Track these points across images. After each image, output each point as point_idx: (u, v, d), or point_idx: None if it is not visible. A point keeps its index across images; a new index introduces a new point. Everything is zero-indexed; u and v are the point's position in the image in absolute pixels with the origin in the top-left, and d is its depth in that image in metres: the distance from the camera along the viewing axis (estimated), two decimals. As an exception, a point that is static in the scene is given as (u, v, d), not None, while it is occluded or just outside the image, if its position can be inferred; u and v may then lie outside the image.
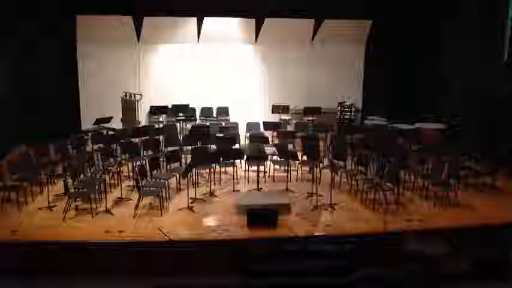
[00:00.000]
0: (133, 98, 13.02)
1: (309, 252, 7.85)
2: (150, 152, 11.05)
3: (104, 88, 13.50)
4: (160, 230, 7.98)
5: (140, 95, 13.17)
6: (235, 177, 10.14)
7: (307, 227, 8.32)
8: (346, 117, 14.15)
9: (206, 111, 14.00)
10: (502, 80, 11.95)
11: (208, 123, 12.97)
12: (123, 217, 8.57)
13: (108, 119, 12.33)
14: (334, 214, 8.89)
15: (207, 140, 11.36)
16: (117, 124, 12.77)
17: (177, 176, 9.98)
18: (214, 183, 10.09)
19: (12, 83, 12.39)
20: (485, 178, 10.24)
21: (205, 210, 9.02)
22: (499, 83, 12.02)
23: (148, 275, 7.42)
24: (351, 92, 14.69)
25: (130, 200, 9.30)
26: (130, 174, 10.46)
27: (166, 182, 9.55)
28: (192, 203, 9.13)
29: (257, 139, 11.49)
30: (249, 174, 10.60)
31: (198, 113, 13.95)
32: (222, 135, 11.78)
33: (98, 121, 12.16)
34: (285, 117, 13.62)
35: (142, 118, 13.57)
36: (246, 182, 10.44)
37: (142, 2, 12.77)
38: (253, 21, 13.99)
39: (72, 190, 8.92)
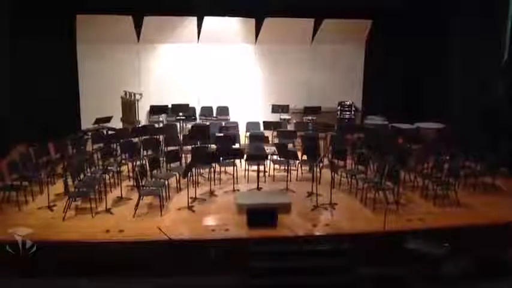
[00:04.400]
0: (133, 97, 13.01)
1: (309, 251, 7.85)
2: (150, 152, 11.05)
3: (104, 88, 13.49)
4: (160, 230, 7.98)
5: (140, 94, 13.16)
6: (235, 176, 10.14)
7: (307, 227, 8.33)
8: (346, 116, 14.16)
9: (206, 111, 14.00)
10: (502, 80, 11.96)
11: (208, 123, 12.96)
12: (123, 217, 8.58)
13: (108, 119, 12.33)
14: (334, 213, 8.90)
15: (207, 140, 11.36)
16: (117, 123, 12.77)
17: (177, 175, 9.98)
18: (214, 183, 10.09)
19: (12, 82, 12.38)
20: (485, 178, 10.24)
21: (205, 209, 9.03)
22: (499, 83, 12.02)
23: (149, 274, 7.43)
24: (351, 91, 14.69)
25: (130, 199, 9.30)
26: (130, 173, 10.46)
27: (166, 182, 9.55)
28: (192, 202, 9.13)
29: (257, 138, 11.49)
30: (249, 173, 10.60)
31: (198, 113, 13.95)
32: (222, 134, 11.78)
33: (98, 121, 12.16)
34: (285, 116, 13.62)
35: (142, 118, 13.55)
36: (246, 181, 10.44)
37: (142, 2, 12.78)
38: (253, 21, 13.99)
39: (72, 190, 8.92)
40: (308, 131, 12.61)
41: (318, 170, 10.00)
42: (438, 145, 11.19)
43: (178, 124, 12.83)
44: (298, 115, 13.91)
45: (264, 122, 12.66)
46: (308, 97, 14.44)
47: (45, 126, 11.74)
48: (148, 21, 13.34)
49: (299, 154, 10.76)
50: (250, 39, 14.30)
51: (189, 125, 12.74)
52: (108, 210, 8.75)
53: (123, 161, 10.70)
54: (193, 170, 9.76)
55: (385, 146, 10.97)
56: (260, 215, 8.25)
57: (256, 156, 10.21)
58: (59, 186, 9.57)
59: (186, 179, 9.38)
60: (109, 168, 9.91)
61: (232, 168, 10.34)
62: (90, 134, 11.85)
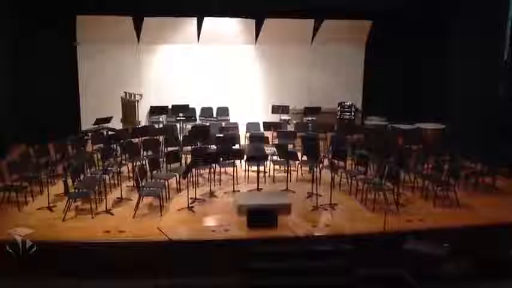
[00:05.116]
0: (133, 98, 13.03)
1: (309, 252, 7.85)
2: (150, 152, 11.05)
3: (104, 88, 13.51)
4: (160, 230, 7.98)
5: (140, 95, 13.17)
6: (235, 177, 10.13)
7: (307, 227, 8.32)
8: (346, 117, 14.16)
9: (206, 111, 14.00)
10: (502, 80, 11.96)
11: (208, 124, 12.96)
12: (123, 217, 8.57)
13: (108, 119, 12.33)
14: (334, 214, 8.89)
15: (207, 140, 11.36)
16: (117, 124, 12.78)
17: (177, 176, 9.98)
18: (214, 184, 10.08)
19: (12, 83, 12.39)
20: (485, 178, 10.24)
21: (205, 210, 9.02)
22: (499, 83, 12.03)
23: (148, 275, 7.43)
24: (351, 92, 14.71)
25: (130, 200, 9.30)
26: (130, 174, 10.45)
27: (166, 182, 9.55)
28: (192, 203, 9.12)
29: (257, 139, 11.49)
30: (249, 174, 10.59)
31: (198, 113, 13.95)
32: (222, 135, 11.78)
33: (98, 121, 12.15)
34: (285, 117, 13.63)
35: (142, 118, 13.56)
36: (246, 182, 10.43)
37: (142, 2, 12.78)
38: (253, 21, 14.00)
39: (72, 190, 8.92)
40: (308, 132, 12.61)
41: (318, 170, 10.00)
42: (438, 145, 11.19)
43: (178, 125, 12.84)
44: (299, 116, 13.93)
45: (264, 122, 12.66)
46: (308, 98, 14.46)
47: (45, 126, 11.76)
48: (148, 21, 13.35)
49: (299, 155, 10.76)
50: (250, 40, 14.31)
51: (189, 126, 12.75)
52: (108, 211, 8.74)
53: (123, 162, 10.70)
54: (193, 170, 9.76)
55: (385, 147, 10.97)
56: (260, 216, 8.24)
57: (256, 157, 10.20)
58: (59, 187, 9.56)
59: (186, 180, 9.37)
60: (109, 168, 9.91)
61: (232, 169, 10.34)
62: (90, 134, 11.84)
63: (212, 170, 10.17)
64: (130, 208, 8.84)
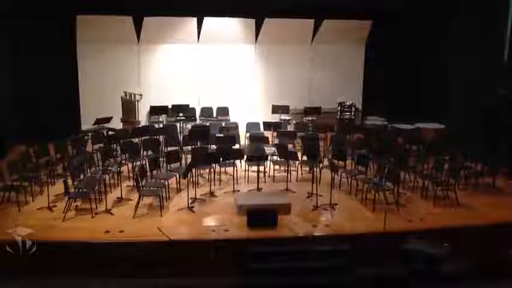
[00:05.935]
0: (133, 98, 13.03)
1: (309, 252, 7.85)
2: (150, 152, 11.05)
3: (104, 88, 13.50)
4: (160, 230, 7.98)
5: (140, 95, 13.17)
6: (235, 177, 10.14)
7: (307, 227, 8.32)
8: (346, 117, 14.16)
9: (206, 111, 13.99)
10: (502, 80, 11.97)
11: (208, 123, 12.96)
12: (123, 217, 8.57)
13: (108, 119, 12.33)
14: (334, 214, 8.90)
15: (207, 140, 11.36)
16: (117, 124, 12.77)
17: (177, 176, 9.98)
18: (214, 183, 10.08)
19: (12, 83, 12.38)
20: (485, 178, 10.24)
21: (205, 210, 9.03)
22: (499, 83, 12.03)
23: (149, 275, 7.43)
24: (351, 92, 14.69)
25: (130, 200, 9.30)
26: (130, 174, 10.46)
27: (166, 182, 9.55)
28: (192, 203, 9.13)
29: (257, 139, 11.49)
30: (249, 174, 10.59)
31: (198, 113, 13.94)
32: (222, 135, 11.78)
33: (98, 121, 12.15)
34: (285, 117, 13.62)
35: (142, 118, 13.56)
36: (246, 182, 10.43)
37: (142, 2, 12.78)
38: (253, 21, 14.00)
39: (72, 190, 8.91)
40: (308, 132, 12.61)
41: (318, 170, 10.00)
42: (438, 145, 11.19)
43: (178, 124, 12.83)
44: (299, 115, 13.92)
45: (264, 122, 12.66)
46: (308, 97, 14.46)
47: (45, 126, 11.75)
48: (148, 21, 13.34)
49: (299, 155, 10.76)
50: (250, 40, 14.30)
51: (189, 126, 12.74)
52: (108, 211, 8.75)
53: (123, 162, 10.70)
54: (193, 170, 9.76)
55: (385, 147, 10.97)
56: (260, 216, 8.25)
57: (256, 157, 10.21)
58: (59, 187, 9.56)
59: (186, 180, 9.37)
60: (109, 168, 9.91)
61: (232, 168, 10.34)
62: (90, 134, 11.84)
63: (212, 170, 10.17)
64: (130, 208, 8.85)
